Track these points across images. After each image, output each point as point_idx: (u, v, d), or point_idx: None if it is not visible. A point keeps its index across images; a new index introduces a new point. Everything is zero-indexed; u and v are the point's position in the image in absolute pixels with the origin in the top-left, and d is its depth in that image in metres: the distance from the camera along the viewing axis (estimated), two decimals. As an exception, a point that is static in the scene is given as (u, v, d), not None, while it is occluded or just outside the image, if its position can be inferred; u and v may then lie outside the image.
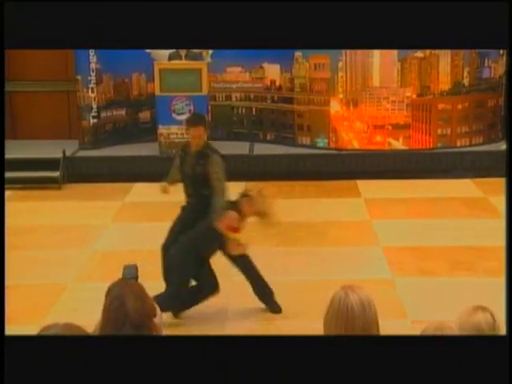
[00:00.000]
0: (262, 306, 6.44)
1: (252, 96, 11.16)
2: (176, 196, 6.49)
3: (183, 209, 6.38)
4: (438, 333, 3.01)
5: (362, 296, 2.90)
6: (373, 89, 10.46)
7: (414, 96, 10.44)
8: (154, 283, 5.75)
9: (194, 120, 6.40)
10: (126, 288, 3.10)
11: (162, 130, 10.38)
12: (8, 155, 10.53)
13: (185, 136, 10.49)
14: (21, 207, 9.41)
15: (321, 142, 10.70)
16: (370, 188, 9.83)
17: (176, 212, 6.40)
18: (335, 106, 10.54)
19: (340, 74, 10.43)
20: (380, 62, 10.38)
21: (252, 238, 8.21)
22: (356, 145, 10.59)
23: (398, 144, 10.58)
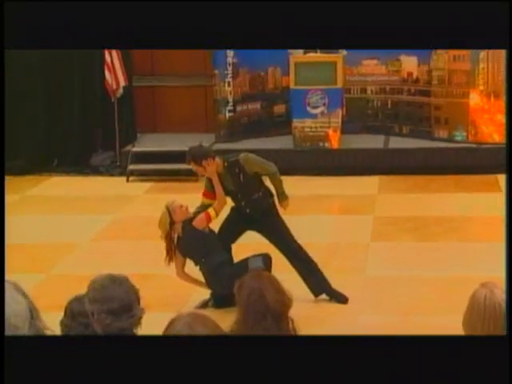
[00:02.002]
0: (398, 300, 6.34)
1: (388, 89, 10.99)
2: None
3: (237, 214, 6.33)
4: None
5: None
6: (516, 80, 10.06)
7: (561, 87, 9.98)
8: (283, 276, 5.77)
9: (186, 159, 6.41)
10: (262, 280, 3.10)
11: (297, 123, 10.39)
12: (148, 148, 10.87)
13: (319, 129, 10.51)
14: (160, 199, 9.65)
15: (459, 135, 10.40)
16: None
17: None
18: (475, 99, 10.22)
19: (481, 65, 10.09)
20: (524, 52, 9.97)
21: (388, 233, 8.11)
22: (497, 138, 10.22)
23: (543, 137, 10.15)
